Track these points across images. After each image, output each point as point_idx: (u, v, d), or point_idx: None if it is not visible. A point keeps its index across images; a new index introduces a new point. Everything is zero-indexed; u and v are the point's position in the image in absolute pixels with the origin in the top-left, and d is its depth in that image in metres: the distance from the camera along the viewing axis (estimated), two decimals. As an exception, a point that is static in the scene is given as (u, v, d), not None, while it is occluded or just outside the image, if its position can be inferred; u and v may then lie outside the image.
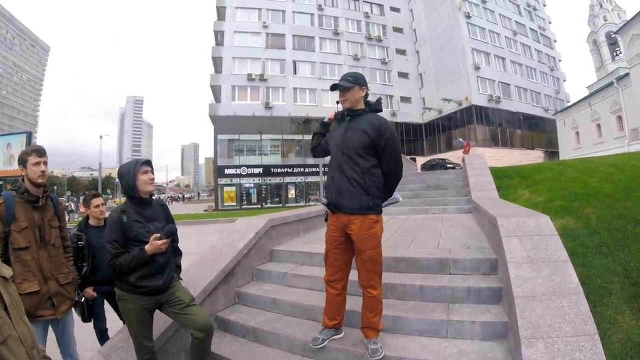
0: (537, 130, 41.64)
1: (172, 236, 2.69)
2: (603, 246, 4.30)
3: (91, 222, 3.77)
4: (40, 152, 2.77)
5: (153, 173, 2.77)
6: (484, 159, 11.25)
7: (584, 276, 3.60)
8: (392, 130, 2.85)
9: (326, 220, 2.97)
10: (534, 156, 37.55)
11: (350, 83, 2.79)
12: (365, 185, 2.70)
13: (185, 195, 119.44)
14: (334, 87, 2.84)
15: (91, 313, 3.57)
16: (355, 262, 2.81)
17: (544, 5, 51.30)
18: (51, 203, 2.89)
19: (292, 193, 36.89)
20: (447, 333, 2.89)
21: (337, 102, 2.87)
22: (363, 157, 2.72)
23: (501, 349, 2.61)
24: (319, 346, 2.88)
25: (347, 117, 2.87)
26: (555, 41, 49.90)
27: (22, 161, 2.72)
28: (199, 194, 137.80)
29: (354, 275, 2.90)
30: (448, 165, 26.63)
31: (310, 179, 36.18)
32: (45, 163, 2.78)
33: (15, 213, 2.60)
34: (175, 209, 37.22)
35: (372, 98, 2.92)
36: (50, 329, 2.86)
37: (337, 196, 2.75)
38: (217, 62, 37.95)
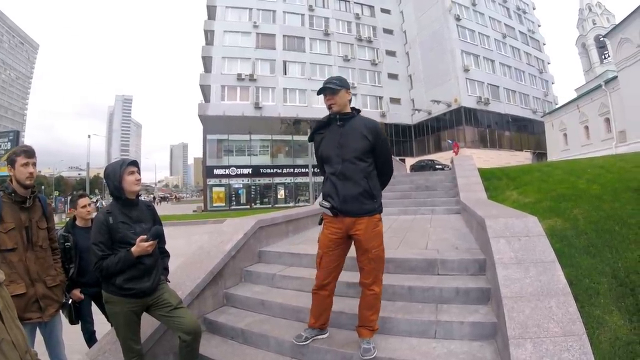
0: (525, 132, 42.06)
1: (159, 238, 2.66)
2: (591, 247, 4.34)
3: (78, 222, 3.73)
4: (29, 153, 2.73)
5: (139, 173, 2.74)
6: (472, 160, 11.31)
7: (572, 276, 3.64)
8: (383, 131, 2.96)
9: (320, 223, 2.97)
10: (522, 158, 37.95)
11: (338, 86, 2.78)
12: (369, 189, 2.74)
13: (159, 195, 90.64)
14: (321, 91, 2.82)
15: (78, 315, 3.51)
16: (359, 263, 2.81)
17: (534, 9, 51.86)
18: (39, 204, 2.85)
19: (281, 194, 36.74)
20: (436, 333, 2.90)
21: (329, 108, 2.82)
22: (364, 161, 2.75)
23: (490, 349, 2.63)
24: (302, 343, 2.90)
25: (338, 121, 2.83)
26: (544, 44, 50.45)
27: (11, 161, 2.67)
28: (175, 197, 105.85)
29: (341, 276, 2.90)
30: (437, 166, 26.79)
31: (300, 179, 36.06)
32: (34, 164, 2.74)
33: (2, 214, 2.56)
34: (163, 209, 37.05)
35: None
36: (38, 331, 2.82)
37: (343, 203, 2.72)
38: (206, 61, 37.68)
